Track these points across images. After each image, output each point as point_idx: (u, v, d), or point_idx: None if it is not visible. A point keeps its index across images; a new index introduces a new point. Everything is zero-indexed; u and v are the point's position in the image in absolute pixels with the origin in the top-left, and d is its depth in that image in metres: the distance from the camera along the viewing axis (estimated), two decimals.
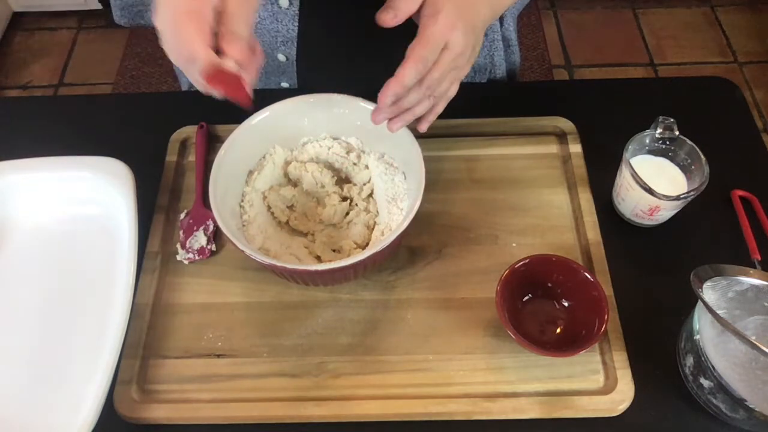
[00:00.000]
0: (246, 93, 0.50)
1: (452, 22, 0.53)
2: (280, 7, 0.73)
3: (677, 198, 0.63)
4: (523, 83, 0.90)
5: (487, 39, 0.84)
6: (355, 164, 0.69)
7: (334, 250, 0.64)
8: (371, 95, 0.59)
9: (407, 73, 0.52)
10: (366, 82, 0.61)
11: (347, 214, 0.67)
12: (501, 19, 0.85)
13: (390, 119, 0.58)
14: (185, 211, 0.71)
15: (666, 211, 0.66)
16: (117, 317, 0.60)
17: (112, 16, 0.81)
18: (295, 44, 0.78)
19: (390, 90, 0.53)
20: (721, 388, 0.53)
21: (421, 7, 0.53)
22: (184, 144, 0.77)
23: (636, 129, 0.67)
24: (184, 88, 0.94)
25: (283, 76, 0.82)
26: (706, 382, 0.56)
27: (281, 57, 0.80)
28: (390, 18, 0.52)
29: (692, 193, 0.63)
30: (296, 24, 0.75)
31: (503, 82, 0.90)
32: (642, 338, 0.62)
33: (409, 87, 0.53)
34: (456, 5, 0.53)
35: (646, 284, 0.66)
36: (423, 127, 0.60)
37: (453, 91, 0.59)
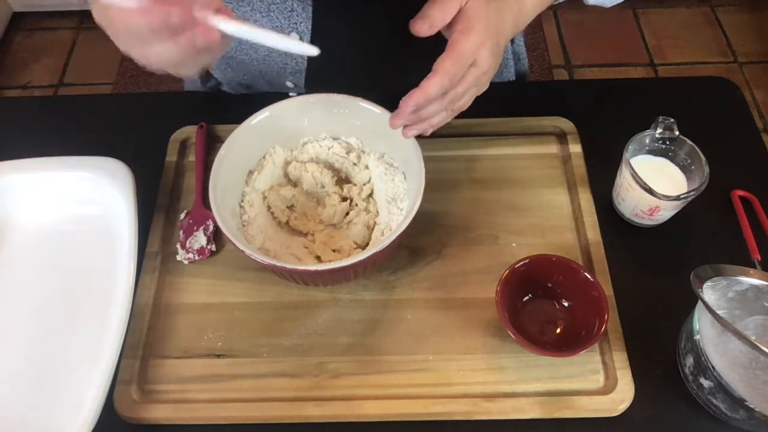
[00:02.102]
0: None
1: (482, 40, 0.53)
2: None
3: (677, 198, 0.63)
4: (523, 83, 0.90)
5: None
6: (355, 164, 0.69)
7: (334, 250, 0.64)
8: (381, 101, 0.61)
9: (433, 85, 0.52)
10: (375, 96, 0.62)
11: (347, 214, 0.67)
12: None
13: (406, 126, 0.58)
14: (185, 211, 0.71)
15: (666, 211, 0.66)
16: (117, 317, 0.60)
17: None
18: (304, 74, 0.78)
19: (413, 99, 0.53)
20: (721, 388, 0.54)
21: (452, 19, 0.54)
22: (184, 144, 0.77)
23: (636, 129, 0.67)
24: (187, 88, 0.94)
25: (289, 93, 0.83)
26: (706, 382, 0.56)
27: (289, 84, 0.81)
28: (425, 29, 0.53)
29: (692, 193, 0.63)
30: (305, 57, 0.75)
31: (503, 82, 0.90)
32: (642, 338, 0.62)
33: (432, 99, 0.54)
34: (487, 23, 0.54)
35: (646, 284, 0.66)
36: (428, 132, 0.60)
37: (468, 105, 0.59)
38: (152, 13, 0.44)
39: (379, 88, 0.66)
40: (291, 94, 0.83)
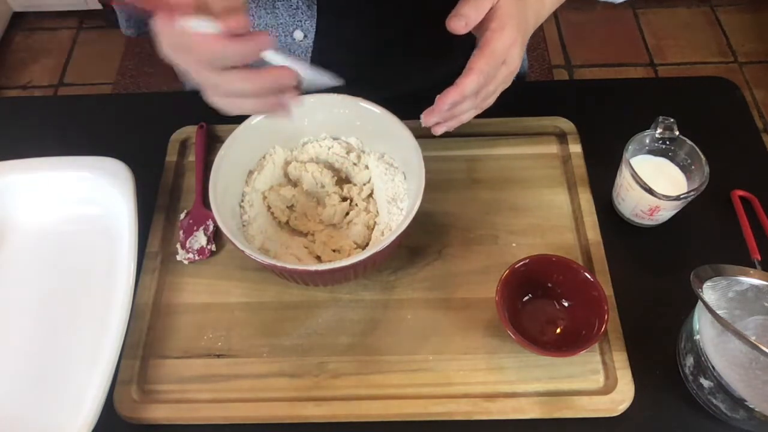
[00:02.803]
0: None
1: (514, 39, 0.54)
2: (294, 39, 0.74)
3: (677, 198, 0.63)
4: (523, 83, 0.90)
5: None
6: (355, 164, 0.69)
7: (334, 250, 0.64)
8: (406, 98, 0.62)
9: (469, 83, 0.53)
10: (376, 93, 0.63)
11: (347, 214, 0.67)
12: None
13: (437, 123, 0.59)
14: (185, 211, 0.71)
15: (666, 211, 0.66)
16: (117, 317, 0.60)
17: (117, 23, 0.81)
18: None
19: (450, 98, 0.54)
20: (721, 388, 0.54)
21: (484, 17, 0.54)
22: (184, 144, 0.77)
23: (636, 129, 0.67)
24: (187, 88, 0.94)
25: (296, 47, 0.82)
26: (706, 382, 0.56)
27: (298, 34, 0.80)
28: (461, 26, 0.53)
29: (692, 193, 0.63)
30: (309, 56, 0.75)
31: None
32: (642, 338, 0.62)
33: (467, 97, 0.55)
34: (517, 21, 0.55)
35: (646, 284, 0.66)
36: (453, 128, 0.61)
37: (492, 102, 0.60)
38: (232, 40, 0.46)
39: (380, 88, 0.67)
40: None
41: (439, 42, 0.80)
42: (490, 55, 0.54)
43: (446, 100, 0.54)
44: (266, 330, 0.64)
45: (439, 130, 0.59)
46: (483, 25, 0.54)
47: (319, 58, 0.76)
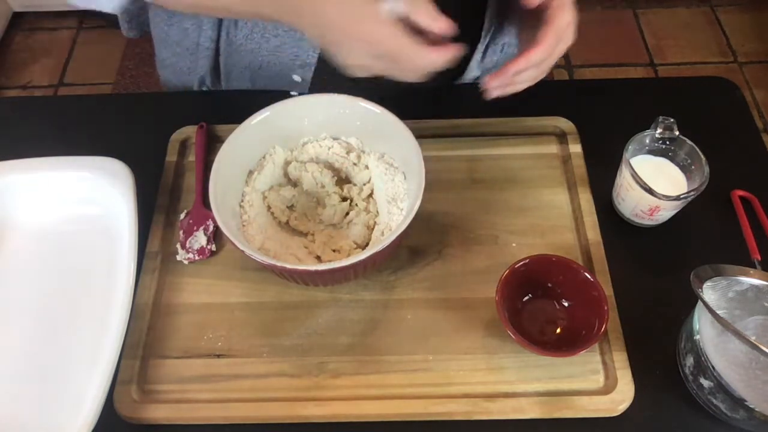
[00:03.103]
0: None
1: (572, 17, 0.59)
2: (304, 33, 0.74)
3: (677, 198, 0.63)
4: None
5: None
6: (355, 164, 0.69)
7: (334, 250, 0.64)
8: (405, 98, 0.66)
9: (536, 54, 0.58)
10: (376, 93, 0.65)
11: (347, 214, 0.67)
12: None
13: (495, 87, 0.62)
14: (185, 211, 0.71)
15: (666, 211, 0.66)
16: (117, 317, 0.60)
17: (118, 24, 0.81)
18: (312, 69, 0.78)
19: (517, 65, 0.59)
20: (721, 388, 0.54)
21: None
22: (184, 144, 0.77)
23: (636, 129, 0.67)
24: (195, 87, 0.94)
25: (295, 88, 0.83)
26: (706, 382, 0.56)
27: (296, 78, 0.81)
28: (535, 0, 0.58)
29: (692, 193, 0.63)
30: (318, 51, 0.76)
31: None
32: (642, 338, 0.62)
33: (530, 66, 0.59)
34: (572, 2, 0.60)
35: (646, 284, 0.66)
36: (507, 93, 0.63)
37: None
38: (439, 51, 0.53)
39: (380, 88, 0.66)
40: (292, 93, 0.83)
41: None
42: (556, 30, 0.58)
43: (512, 68, 0.59)
44: (266, 330, 0.64)
45: (493, 93, 0.62)
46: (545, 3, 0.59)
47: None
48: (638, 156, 0.68)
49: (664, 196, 0.63)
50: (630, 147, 0.66)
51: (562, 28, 0.59)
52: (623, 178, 0.66)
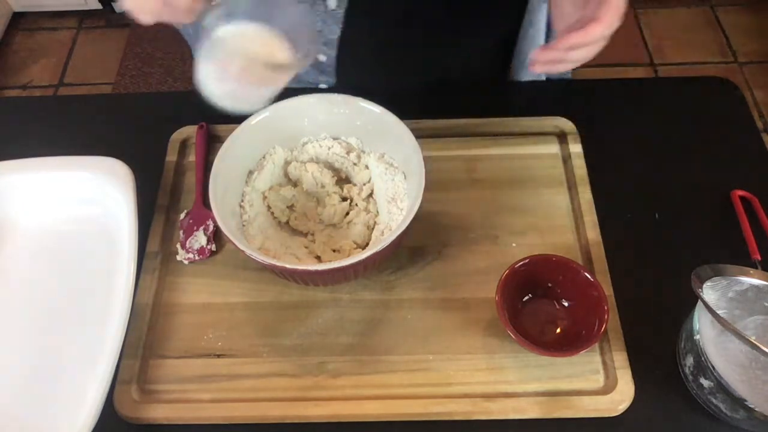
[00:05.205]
0: None
1: (624, 3, 0.55)
2: (327, 8, 0.73)
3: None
4: (523, 83, 0.90)
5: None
6: (355, 164, 0.69)
7: (334, 250, 0.64)
8: (405, 97, 0.63)
9: (595, 30, 0.54)
10: (401, 84, 0.64)
11: (347, 214, 0.67)
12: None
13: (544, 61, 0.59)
14: (185, 211, 0.71)
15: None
16: (117, 317, 0.60)
17: (117, 23, 0.81)
18: (336, 46, 0.78)
19: (574, 38, 0.55)
20: (721, 388, 0.54)
21: None
22: (184, 144, 0.77)
23: (636, 129, 0.67)
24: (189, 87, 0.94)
25: (322, 75, 0.83)
26: (706, 382, 0.56)
27: (321, 57, 0.80)
28: None
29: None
30: (340, 26, 0.75)
31: (503, 82, 0.90)
32: (642, 338, 0.62)
33: (587, 43, 0.55)
34: None
35: (646, 284, 0.66)
36: (554, 72, 0.61)
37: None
38: None
39: (401, 81, 0.66)
40: (321, 85, 0.83)
41: (438, 41, 0.80)
42: (616, 9, 0.54)
43: (570, 40, 0.55)
44: (266, 330, 0.64)
45: (539, 69, 0.59)
46: None
47: (350, 27, 0.75)
48: None
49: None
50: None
51: (621, 8, 0.55)
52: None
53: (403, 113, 0.65)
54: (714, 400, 0.56)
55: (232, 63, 0.55)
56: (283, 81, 0.57)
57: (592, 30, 0.54)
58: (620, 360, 0.60)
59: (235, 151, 0.64)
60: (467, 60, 0.59)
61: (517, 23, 0.82)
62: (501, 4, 0.79)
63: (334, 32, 0.76)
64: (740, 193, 0.71)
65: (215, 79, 0.57)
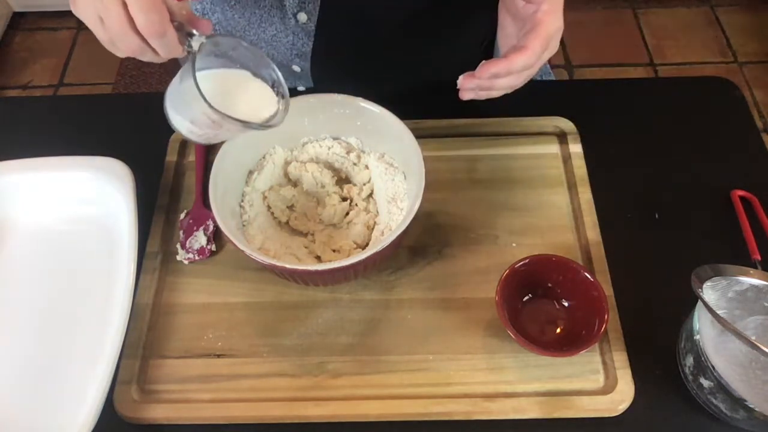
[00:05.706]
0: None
1: (561, 25, 0.54)
2: (298, 22, 0.74)
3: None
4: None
5: None
6: (355, 164, 0.69)
7: (334, 250, 0.64)
8: (406, 98, 0.63)
9: (520, 59, 0.52)
10: (376, 91, 0.63)
11: (347, 214, 0.67)
12: None
13: (469, 89, 0.57)
14: (185, 211, 0.71)
15: None
16: (117, 317, 0.60)
17: None
18: (309, 58, 0.79)
19: (495, 68, 0.53)
20: (721, 388, 0.54)
21: None
22: (184, 144, 0.77)
23: (636, 129, 0.67)
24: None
25: (299, 81, 0.84)
26: (706, 382, 0.56)
27: (296, 68, 0.81)
28: None
29: None
30: (312, 39, 0.76)
31: None
32: (642, 338, 0.62)
33: (512, 72, 0.54)
34: (561, 8, 0.55)
35: (646, 284, 0.66)
36: (467, 97, 0.59)
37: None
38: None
39: (380, 88, 0.66)
40: (300, 88, 0.83)
41: (437, 42, 0.80)
42: (544, 37, 0.53)
43: (491, 69, 0.53)
44: (266, 330, 0.64)
45: (466, 96, 0.58)
46: (530, 6, 0.53)
47: (320, 40, 0.76)
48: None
49: None
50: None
51: (551, 34, 0.53)
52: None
53: (403, 113, 0.65)
54: (714, 400, 0.56)
55: (206, 121, 0.52)
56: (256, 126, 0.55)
57: (515, 60, 0.53)
58: (620, 360, 0.60)
59: (235, 151, 0.64)
60: (446, 66, 0.58)
61: (492, 30, 0.82)
62: (474, 9, 0.78)
63: (306, 45, 0.77)
64: (740, 193, 0.71)
65: (185, 124, 0.54)
